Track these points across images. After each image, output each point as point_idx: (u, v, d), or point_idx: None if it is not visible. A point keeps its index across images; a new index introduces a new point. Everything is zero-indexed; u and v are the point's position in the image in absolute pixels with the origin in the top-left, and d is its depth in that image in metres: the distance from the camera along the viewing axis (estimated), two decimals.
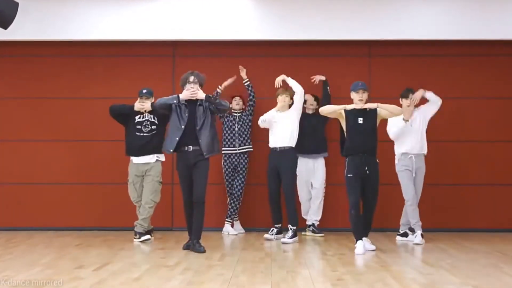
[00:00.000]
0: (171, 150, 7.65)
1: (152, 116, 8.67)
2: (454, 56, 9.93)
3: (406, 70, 9.96)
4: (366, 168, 7.72)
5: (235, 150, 9.55)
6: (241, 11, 9.65)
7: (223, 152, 9.52)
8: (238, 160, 9.57)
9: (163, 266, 6.60)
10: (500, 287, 5.72)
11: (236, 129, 9.59)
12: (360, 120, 7.76)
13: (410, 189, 8.59)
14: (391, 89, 9.74)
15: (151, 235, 8.67)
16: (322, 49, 10.02)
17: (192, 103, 7.68)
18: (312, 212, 9.37)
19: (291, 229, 8.67)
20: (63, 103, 9.82)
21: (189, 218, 7.76)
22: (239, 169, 9.57)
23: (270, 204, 9.12)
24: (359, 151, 7.74)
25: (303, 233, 9.27)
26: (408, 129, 8.61)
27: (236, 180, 9.57)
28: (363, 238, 7.70)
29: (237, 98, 9.73)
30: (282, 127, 8.92)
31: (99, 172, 9.83)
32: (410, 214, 8.55)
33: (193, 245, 7.59)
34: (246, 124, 9.65)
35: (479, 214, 9.47)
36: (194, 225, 7.63)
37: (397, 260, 7.18)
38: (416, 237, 8.44)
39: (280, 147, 8.91)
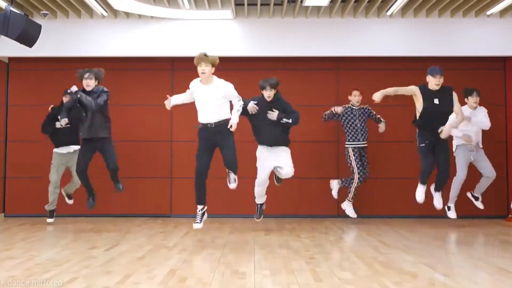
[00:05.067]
0: None
1: None
2: (406, 70, 9.87)
3: (368, 81, 9.89)
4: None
5: (360, 144, 8.83)
6: (228, 32, 9.65)
7: (351, 145, 8.83)
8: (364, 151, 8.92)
9: (163, 247, 6.59)
10: (447, 264, 5.80)
11: (358, 124, 8.89)
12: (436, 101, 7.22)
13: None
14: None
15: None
16: (297, 64, 10.01)
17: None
18: None
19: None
20: None
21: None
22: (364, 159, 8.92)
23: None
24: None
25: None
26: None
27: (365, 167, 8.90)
28: (436, 193, 7.45)
29: (357, 92, 8.99)
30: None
31: None
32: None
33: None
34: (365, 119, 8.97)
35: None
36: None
37: (360, 242, 7.18)
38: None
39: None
